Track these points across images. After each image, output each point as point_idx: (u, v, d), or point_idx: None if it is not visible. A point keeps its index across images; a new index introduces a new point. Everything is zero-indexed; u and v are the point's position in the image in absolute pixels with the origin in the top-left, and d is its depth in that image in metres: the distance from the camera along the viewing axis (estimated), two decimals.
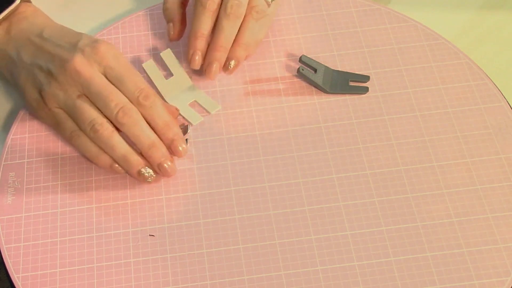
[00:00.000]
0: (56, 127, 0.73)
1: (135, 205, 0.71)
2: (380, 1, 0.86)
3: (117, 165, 0.70)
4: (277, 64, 0.80)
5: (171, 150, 0.71)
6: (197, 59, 0.76)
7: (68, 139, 0.72)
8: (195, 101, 0.77)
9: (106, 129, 0.69)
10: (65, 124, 0.72)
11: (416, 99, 0.77)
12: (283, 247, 0.68)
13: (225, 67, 0.76)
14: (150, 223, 0.70)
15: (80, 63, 0.70)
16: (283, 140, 0.74)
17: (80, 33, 0.73)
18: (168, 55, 0.79)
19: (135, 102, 0.70)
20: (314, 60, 0.78)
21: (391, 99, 0.77)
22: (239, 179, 0.72)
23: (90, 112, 0.70)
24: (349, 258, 0.67)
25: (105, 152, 0.70)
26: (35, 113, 0.74)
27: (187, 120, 0.76)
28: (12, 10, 0.75)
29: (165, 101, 0.77)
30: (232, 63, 0.76)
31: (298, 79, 0.79)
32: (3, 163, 0.73)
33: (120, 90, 0.70)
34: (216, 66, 0.76)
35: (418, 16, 0.83)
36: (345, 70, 0.79)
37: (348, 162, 0.73)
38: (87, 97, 0.70)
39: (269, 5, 0.77)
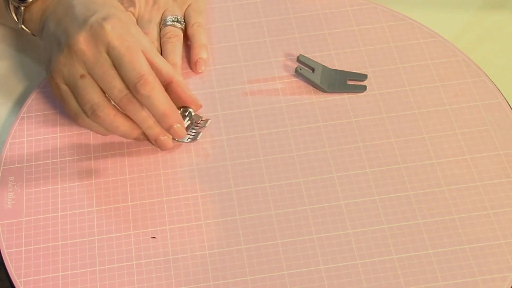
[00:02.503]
0: (62, 103, 0.72)
1: (136, 207, 0.71)
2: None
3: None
4: (274, 64, 0.80)
5: (170, 133, 0.72)
6: None
7: (73, 119, 0.72)
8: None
9: (108, 114, 0.69)
10: (69, 103, 0.71)
11: (414, 97, 0.77)
12: (285, 247, 0.68)
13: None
14: (151, 225, 0.70)
15: (85, 41, 0.68)
16: (283, 140, 0.74)
17: (102, 5, 0.71)
18: None
19: (133, 88, 0.68)
20: (311, 60, 0.78)
21: (389, 97, 0.77)
22: (239, 180, 0.72)
23: (91, 95, 0.69)
24: (351, 256, 0.67)
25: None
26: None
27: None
28: None
29: None
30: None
31: (296, 79, 0.79)
32: (2, 167, 0.73)
33: (119, 73, 0.69)
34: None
35: (418, 16, 0.83)
36: (342, 69, 0.79)
37: (348, 160, 0.73)
38: (91, 76, 0.69)
39: (182, 25, 0.81)
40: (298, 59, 0.78)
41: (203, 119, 0.75)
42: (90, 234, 0.69)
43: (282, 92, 0.78)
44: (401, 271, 0.66)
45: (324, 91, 0.78)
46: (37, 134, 0.75)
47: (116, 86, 0.68)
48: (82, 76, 0.69)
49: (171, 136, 0.73)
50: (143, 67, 0.68)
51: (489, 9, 0.85)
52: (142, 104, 0.70)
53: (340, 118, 0.76)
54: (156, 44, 0.80)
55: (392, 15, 0.83)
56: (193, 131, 0.75)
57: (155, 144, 0.73)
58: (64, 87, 0.71)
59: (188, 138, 0.74)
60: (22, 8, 0.74)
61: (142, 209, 0.71)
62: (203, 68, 0.80)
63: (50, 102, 0.78)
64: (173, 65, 0.78)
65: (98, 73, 0.69)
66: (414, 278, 0.66)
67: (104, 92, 0.70)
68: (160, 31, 0.81)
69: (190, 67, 0.80)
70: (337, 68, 0.79)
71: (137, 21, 0.81)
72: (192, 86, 0.78)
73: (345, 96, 0.77)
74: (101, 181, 0.72)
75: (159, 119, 0.70)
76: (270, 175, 0.72)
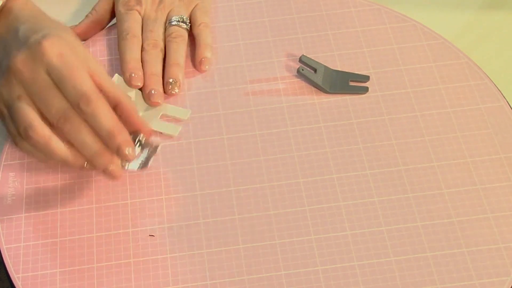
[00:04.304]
0: (4, 127, 0.70)
1: (135, 205, 0.71)
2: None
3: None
4: (276, 64, 0.80)
5: (118, 156, 0.67)
6: (136, 77, 0.77)
7: (14, 143, 0.69)
8: (163, 114, 0.76)
9: (42, 137, 0.65)
10: (8, 126, 0.68)
11: (416, 99, 0.77)
12: (283, 247, 0.68)
13: (166, 91, 0.77)
14: (150, 223, 0.70)
15: (22, 61, 0.66)
16: (283, 140, 0.74)
17: (45, 26, 0.68)
18: (119, 80, 0.78)
19: (76, 107, 0.65)
20: (314, 60, 0.78)
21: (391, 99, 0.77)
22: (239, 179, 0.72)
23: (25, 117, 0.65)
24: (349, 258, 0.67)
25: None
26: None
27: (167, 135, 0.75)
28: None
29: None
30: (172, 82, 0.77)
31: (298, 79, 0.79)
32: (3, 163, 0.73)
33: (61, 92, 0.65)
34: (154, 93, 0.76)
35: (418, 16, 0.83)
36: (345, 70, 0.79)
37: (348, 162, 0.73)
38: (30, 97, 0.66)
39: (187, 25, 0.81)
40: (301, 60, 0.78)
41: (154, 145, 0.71)
42: (89, 231, 0.69)
43: (283, 92, 0.78)
44: (398, 273, 0.66)
45: (326, 92, 0.77)
46: None
47: (54, 105, 0.65)
48: (18, 97, 0.66)
49: (120, 165, 0.68)
50: (84, 85, 0.65)
51: (489, 9, 0.85)
52: (86, 123, 0.65)
53: (341, 119, 0.76)
54: (161, 43, 0.80)
55: (395, 16, 0.83)
56: (144, 156, 0.71)
57: (104, 174, 0.68)
58: (4, 110, 0.68)
59: (139, 165, 0.71)
60: None
61: (141, 207, 0.71)
62: (207, 67, 0.80)
63: None
64: (176, 65, 0.78)
65: (35, 93, 0.65)
66: (412, 281, 0.66)
67: (41, 114, 0.66)
68: (165, 30, 0.81)
69: (194, 66, 0.80)
70: (339, 69, 0.79)
71: (142, 20, 0.81)
72: (194, 85, 0.79)
73: (347, 97, 0.77)
74: (101, 179, 0.72)
75: (106, 138, 0.66)
76: (270, 175, 0.72)
